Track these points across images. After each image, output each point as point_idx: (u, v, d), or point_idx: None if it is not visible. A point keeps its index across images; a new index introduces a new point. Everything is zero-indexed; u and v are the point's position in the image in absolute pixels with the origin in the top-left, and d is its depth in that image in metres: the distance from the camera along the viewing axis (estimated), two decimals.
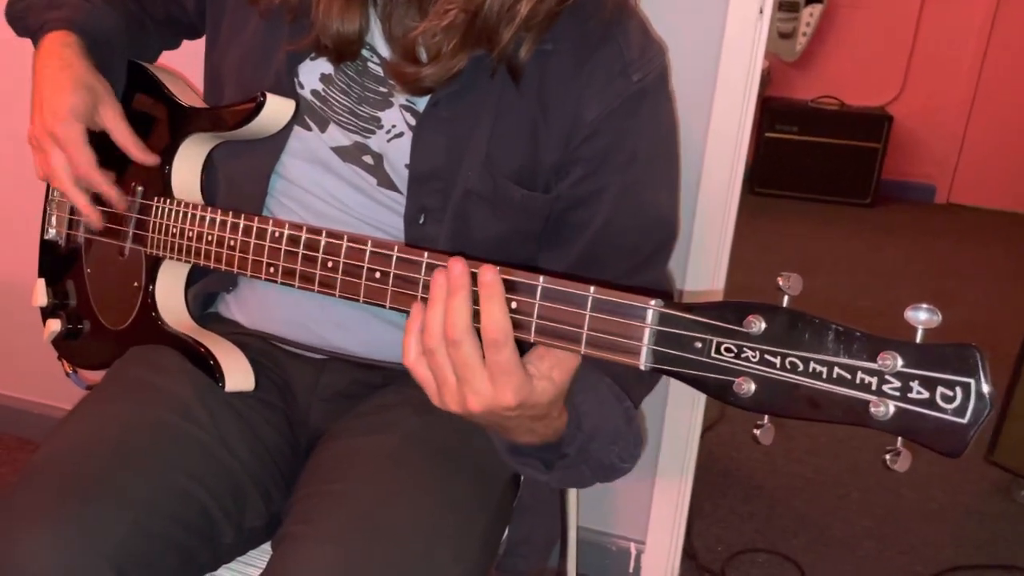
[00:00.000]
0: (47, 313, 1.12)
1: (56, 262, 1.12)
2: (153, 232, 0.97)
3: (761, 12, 1.31)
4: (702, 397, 1.54)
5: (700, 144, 1.37)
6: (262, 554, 0.94)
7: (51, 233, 1.12)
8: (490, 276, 0.64)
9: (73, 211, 1.09)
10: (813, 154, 4.32)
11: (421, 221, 0.91)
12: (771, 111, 4.25)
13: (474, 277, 0.66)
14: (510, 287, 0.66)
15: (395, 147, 0.91)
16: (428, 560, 0.78)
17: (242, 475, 0.90)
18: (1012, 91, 4.25)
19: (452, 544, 0.80)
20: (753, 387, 0.57)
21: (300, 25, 0.89)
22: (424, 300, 0.69)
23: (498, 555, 0.97)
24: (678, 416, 1.54)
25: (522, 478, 1.00)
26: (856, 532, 1.89)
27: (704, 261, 1.43)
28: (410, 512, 0.80)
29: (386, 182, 0.92)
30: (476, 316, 0.65)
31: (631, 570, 1.66)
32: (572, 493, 1.20)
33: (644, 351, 0.61)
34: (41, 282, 1.12)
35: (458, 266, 0.66)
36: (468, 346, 0.65)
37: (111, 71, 1.00)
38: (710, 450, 2.11)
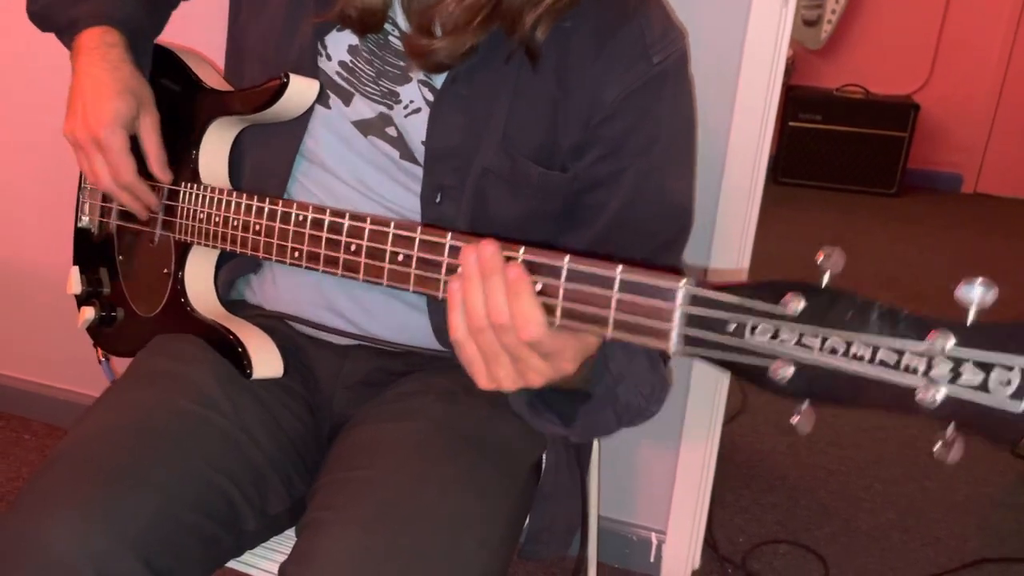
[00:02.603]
0: (81, 300, 1.14)
1: (89, 250, 1.13)
2: (181, 218, 0.98)
3: (786, 1, 1.30)
4: (724, 387, 1.53)
5: (724, 133, 1.36)
6: (287, 540, 0.95)
7: (84, 221, 1.14)
8: (516, 272, 0.63)
9: (105, 198, 1.11)
10: (837, 143, 4.27)
11: (438, 200, 0.91)
12: (795, 100, 4.21)
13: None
14: (535, 268, 0.64)
15: (412, 123, 0.91)
16: (453, 546, 0.78)
17: (264, 462, 0.91)
18: None
19: (476, 530, 0.81)
20: (791, 371, 0.53)
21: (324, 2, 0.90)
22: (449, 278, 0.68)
23: (520, 541, 0.97)
24: (700, 406, 1.53)
25: (543, 465, 1.00)
26: (880, 523, 1.88)
27: (727, 251, 1.42)
28: (435, 498, 0.80)
29: (408, 155, 0.92)
30: None
31: (652, 560, 1.66)
32: (593, 481, 1.21)
33: (674, 334, 0.58)
34: (75, 270, 1.14)
35: (490, 247, 0.64)
36: (514, 333, 0.65)
37: (143, 56, 1.01)
38: (732, 440, 2.10)
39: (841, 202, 4.19)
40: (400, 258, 0.74)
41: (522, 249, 0.65)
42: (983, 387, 0.47)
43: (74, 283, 1.13)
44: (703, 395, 1.52)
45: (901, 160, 4.26)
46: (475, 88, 0.87)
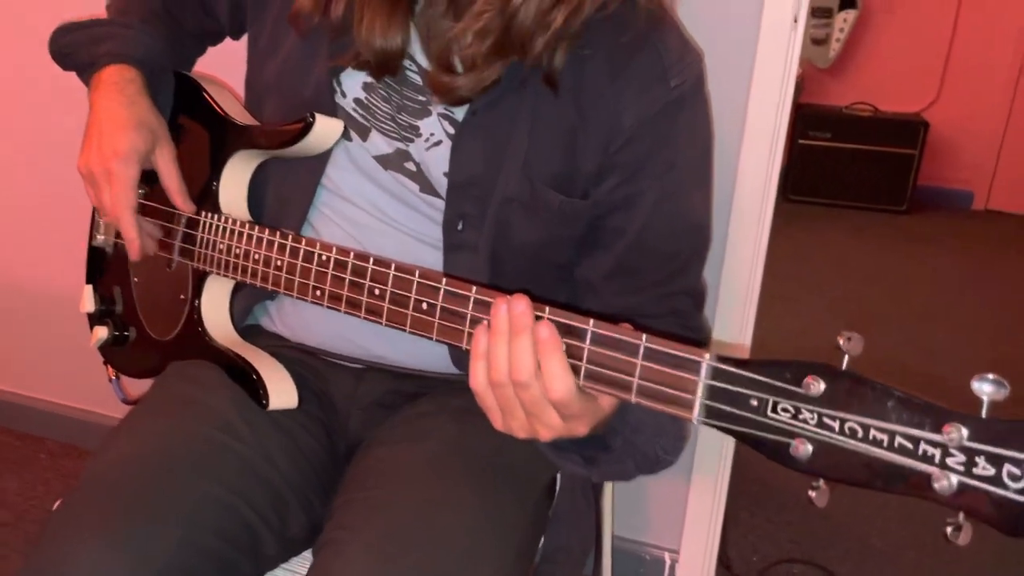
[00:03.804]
0: (94, 319, 1.15)
1: (104, 269, 1.15)
2: (200, 247, 0.99)
3: (796, 20, 1.31)
4: None
5: (735, 151, 1.37)
6: (303, 561, 0.96)
7: (99, 240, 1.15)
8: (547, 331, 0.65)
9: None
10: (847, 160, 4.27)
11: (460, 228, 0.92)
12: (804, 117, 4.21)
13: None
14: (560, 329, 0.66)
15: (433, 155, 0.92)
16: (467, 568, 0.79)
17: (283, 486, 0.91)
18: None
19: (491, 552, 0.81)
20: (810, 450, 0.55)
21: (338, 38, 0.91)
22: (473, 330, 0.70)
23: (534, 563, 0.97)
24: (711, 430, 1.53)
25: (557, 486, 1.00)
26: (896, 542, 1.87)
27: (739, 268, 1.42)
28: (450, 520, 0.81)
29: (428, 188, 0.93)
30: None
31: None
32: (607, 502, 1.20)
33: (697, 404, 0.60)
34: (89, 288, 1.15)
35: (520, 305, 0.66)
36: (536, 388, 0.66)
37: (163, 91, 1.03)
38: (745, 458, 2.09)
39: (852, 219, 4.18)
40: (424, 306, 0.75)
41: (547, 309, 0.67)
42: (996, 480, 0.50)
43: (87, 302, 1.14)
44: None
45: (911, 177, 4.25)
46: (496, 118, 0.88)
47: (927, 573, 1.78)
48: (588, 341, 0.65)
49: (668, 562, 1.64)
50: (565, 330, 0.66)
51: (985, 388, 0.50)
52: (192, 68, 1.16)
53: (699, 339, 0.94)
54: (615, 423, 0.77)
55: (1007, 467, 0.49)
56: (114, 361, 1.17)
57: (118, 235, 1.13)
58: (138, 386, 1.15)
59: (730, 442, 1.56)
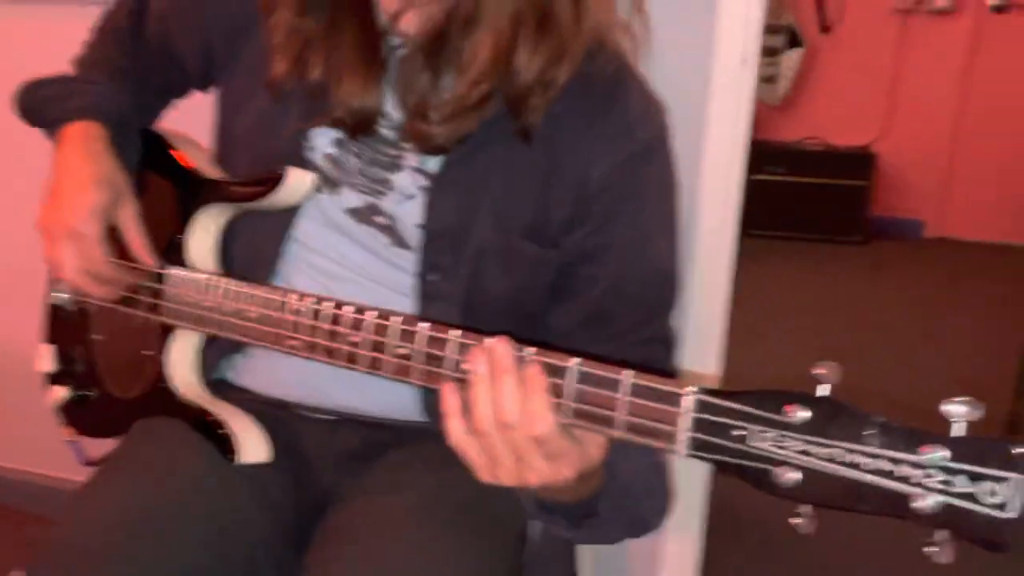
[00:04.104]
0: (52, 379, 1.12)
1: (64, 327, 1.12)
2: (168, 301, 0.97)
3: (744, 61, 1.34)
4: None
5: (694, 192, 1.39)
6: None
7: (59, 298, 1.13)
8: (533, 371, 0.65)
9: None
10: (802, 194, 4.37)
11: (433, 278, 0.92)
12: (758, 154, 4.27)
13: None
14: (545, 368, 0.66)
15: (405, 208, 0.92)
16: None
17: (256, 544, 0.90)
18: (994, 123, 4.32)
19: None
20: (794, 477, 0.57)
21: (313, 99, 0.91)
22: (457, 380, 0.69)
23: None
24: (686, 463, 1.53)
25: (530, 531, 0.99)
26: (881, 572, 1.87)
27: (704, 305, 1.44)
28: (428, 572, 0.80)
29: (399, 242, 0.93)
30: None
31: None
32: (585, 546, 1.19)
33: (683, 437, 0.61)
34: (47, 347, 1.13)
35: (502, 346, 0.66)
36: (523, 430, 0.65)
37: (128, 147, 1.02)
38: (721, 494, 2.09)
39: (810, 252, 4.27)
40: (404, 352, 0.75)
41: (532, 349, 0.67)
42: (972, 497, 0.52)
43: (46, 361, 1.12)
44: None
45: (864, 208, 4.36)
46: (470, 170, 0.90)
47: None
48: (574, 379, 0.65)
49: None
50: (550, 369, 0.66)
51: (957, 411, 0.52)
52: (159, 122, 1.15)
53: None
54: (605, 486, 0.76)
55: (983, 484, 0.51)
56: (74, 422, 1.14)
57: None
58: (98, 447, 1.13)
59: (705, 481, 1.56)
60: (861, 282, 3.91)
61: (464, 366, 0.68)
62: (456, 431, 0.68)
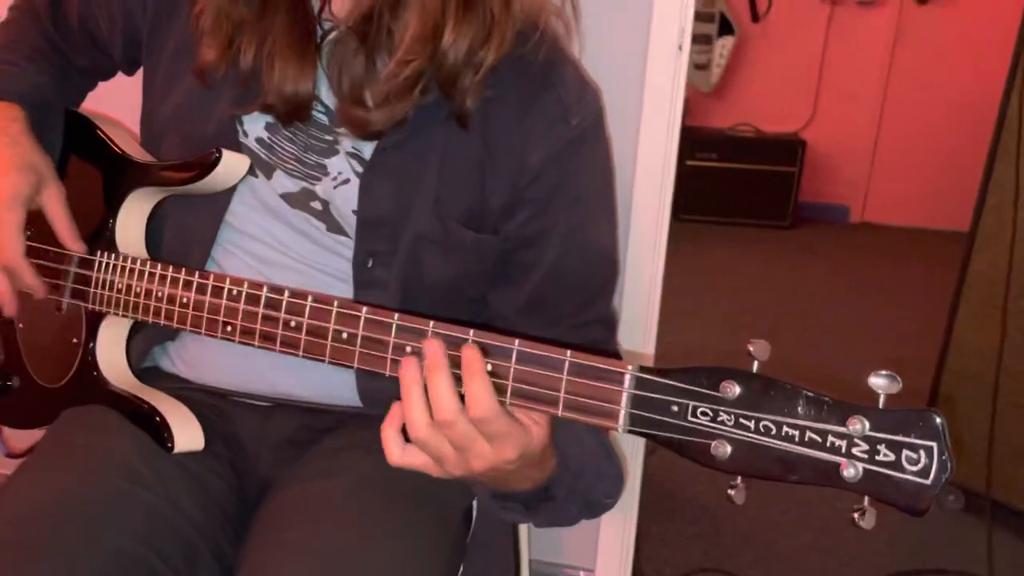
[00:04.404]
0: None
1: None
2: (95, 287, 0.95)
3: (680, 48, 1.36)
4: None
5: (629, 176, 1.41)
6: None
7: None
8: (470, 354, 0.66)
9: None
10: (733, 180, 4.44)
11: (370, 265, 0.91)
12: (691, 140, 4.37)
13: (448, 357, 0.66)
14: (485, 351, 0.67)
15: (341, 194, 0.92)
16: None
17: (192, 533, 0.88)
18: (916, 112, 4.46)
19: None
20: (729, 449, 0.59)
21: (245, 85, 0.90)
22: (395, 361, 0.70)
23: None
24: (621, 441, 1.56)
25: (474, 513, 1.00)
26: (799, 546, 1.94)
27: (639, 287, 1.46)
28: (371, 555, 0.80)
29: (335, 227, 0.93)
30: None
31: None
32: (523, 526, 1.21)
33: (622, 414, 0.63)
34: None
35: (433, 344, 0.66)
36: (462, 423, 0.66)
37: (50, 129, 0.99)
38: (653, 473, 2.13)
39: (740, 236, 4.35)
40: (344, 336, 0.75)
41: (472, 332, 0.68)
42: (895, 465, 0.55)
43: None
44: (618, 436, 1.55)
45: (792, 194, 4.47)
46: (405, 156, 0.89)
47: (829, 573, 1.85)
48: (514, 360, 0.66)
49: None
50: (491, 350, 0.67)
51: (880, 383, 0.55)
52: (81, 103, 1.12)
53: None
54: (558, 473, 0.77)
55: (905, 452, 0.55)
56: None
57: None
58: (22, 438, 1.09)
59: (639, 460, 1.59)
60: (789, 265, 4.01)
61: (399, 371, 0.68)
62: (393, 450, 0.69)
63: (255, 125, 0.93)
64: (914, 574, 1.85)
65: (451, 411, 0.65)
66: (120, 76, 1.13)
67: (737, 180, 4.44)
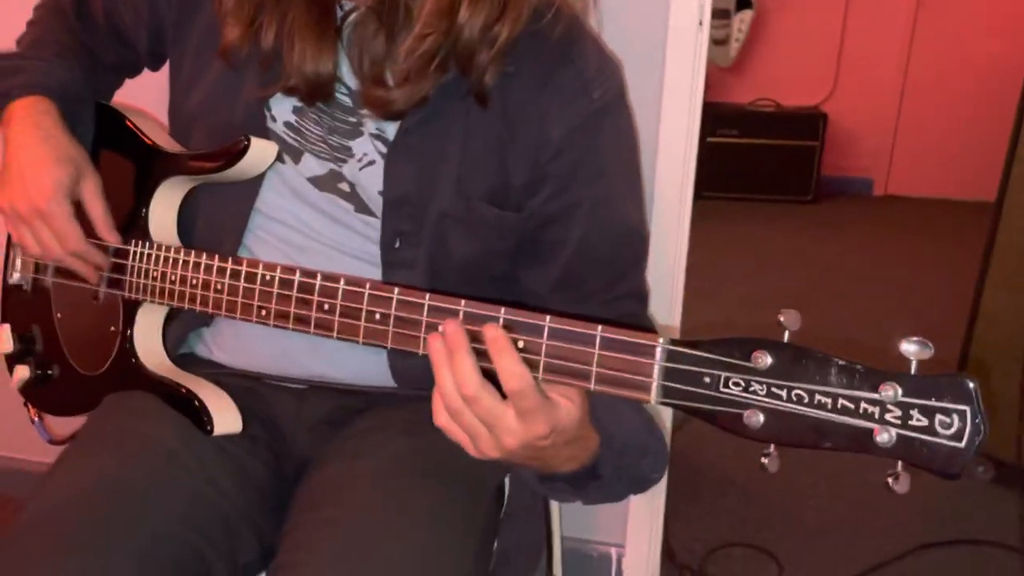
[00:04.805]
0: (13, 360, 1.11)
1: (22, 306, 1.11)
2: (131, 276, 0.97)
3: (701, 23, 1.36)
4: None
5: (652, 154, 1.41)
6: None
7: (15, 277, 1.11)
8: (494, 332, 0.66)
9: None
10: (754, 155, 4.42)
11: (397, 245, 0.93)
12: (711, 116, 4.34)
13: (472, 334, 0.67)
14: (517, 327, 0.68)
15: (367, 175, 0.93)
16: None
17: (233, 513, 0.90)
18: (939, 81, 4.40)
19: (448, 561, 0.82)
20: (762, 419, 0.60)
21: (269, 67, 0.91)
22: (426, 355, 0.70)
23: (491, 566, 0.98)
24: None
25: (507, 490, 1.01)
26: (828, 519, 1.94)
27: (662, 266, 1.46)
28: (405, 532, 0.81)
29: (362, 208, 0.94)
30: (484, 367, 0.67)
31: (613, 574, 1.68)
32: (555, 503, 1.22)
33: (654, 387, 0.63)
34: (6, 327, 1.11)
35: (451, 325, 0.67)
36: (487, 398, 0.67)
37: (83, 123, 1.00)
38: (680, 450, 2.14)
39: (762, 212, 4.33)
40: (377, 317, 0.76)
41: (503, 310, 0.69)
42: (929, 429, 0.55)
43: (6, 341, 1.11)
44: (650, 408, 1.56)
45: (815, 168, 4.43)
46: (428, 136, 0.90)
47: (859, 546, 1.86)
48: (545, 336, 0.67)
49: (615, 557, 1.67)
50: (522, 327, 0.68)
51: (912, 349, 0.56)
52: (110, 101, 1.13)
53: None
54: (603, 451, 0.78)
55: (938, 417, 0.55)
56: (37, 401, 1.13)
57: (37, 270, 1.09)
58: (64, 426, 1.12)
59: (668, 435, 1.60)
60: (813, 240, 3.99)
61: (427, 349, 0.69)
62: (440, 413, 0.70)
63: (283, 109, 0.94)
64: (945, 545, 1.85)
65: (473, 386, 0.66)
66: (146, 71, 1.15)
67: (759, 156, 4.41)
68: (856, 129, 4.59)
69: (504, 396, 0.67)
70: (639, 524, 1.65)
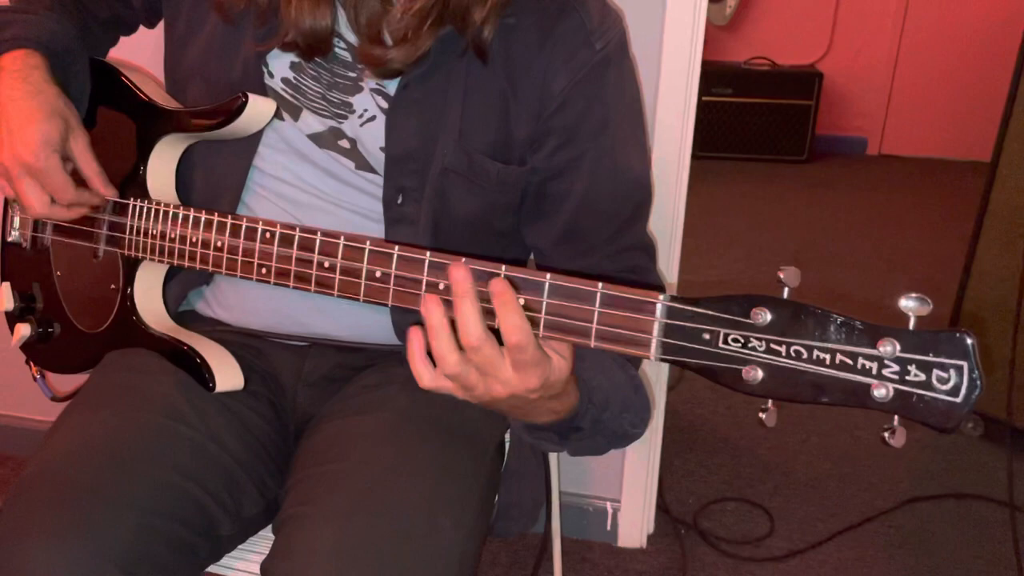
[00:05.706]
0: (14, 318, 1.11)
1: (21, 265, 1.10)
2: (130, 234, 0.96)
3: None
4: None
5: (651, 111, 1.41)
6: (261, 540, 0.96)
7: (14, 235, 1.11)
8: (500, 286, 0.65)
9: None
10: (749, 115, 4.39)
11: (399, 201, 0.92)
12: (706, 75, 4.28)
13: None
14: (518, 284, 0.67)
15: (368, 131, 0.92)
16: (430, 529, 0.80)
17: (235, 467, 0.91)
18: (934, 42, 4.38)
19: (451, 513, 0.83)
20: (761, 374, 0.60)
21: (265, 22, 0.90)
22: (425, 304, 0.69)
23: (492, 519, 1.00)
24: (643, 378, 1.58)
25: (507, 444, 1.03)
26: (818, 474, 1.98)
27: (660, 225, 1.47)
28: (408, 484, 0.82)
29: (364, 165, 0.94)
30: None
31: (608, 528, 1.71)
32: (553, 458, 1.24)
33: (654, 343, 0.64)
34: (6, 286, 1.11)
35: (460, 271, 0.65)
36: (488, 347, 0.66)
37: (76, 78, 0.99)
38: (675, 408, 2.17)
39: (757, 171, 4.32)
40: (378, 275, 0.76)
41: (504, 268, 0.68)
42: (926, 384, 0.56)
43: (6, 299, 1.10)
44: (645, 367, 1.58)
45: (809, 127, 4.41)
46: (428, 91, 0.89)
47: (848, 500, 1.89)
48: (545, 293, 0.67)
49: (610, 511, 1.71)
50: (522, 285, 0.68)
51: (911, 305, 0.56)
52: (105, 57, 1.12)
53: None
54: (583, 404, 0.79)
55: (935, 372, 0.56)
56: (39, 359, 1.13)
57: (36, 228, 1.09)
58: (65, 383, 1.13)
59: (662, 394, 1.62)
60: (808, 200, 3.99)
61: (421, 308, 0.68)
62: (424, 375, 0.69)
63: (280, 65, 0.93)
64: (933, 499, 1.89)
65: (478, 336, 0.66)
66: (141, 29, 1.13)
67: (753, 115, 4.39)
68: (851, 88, 4.58)
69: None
70: (634, 479, 1.68)
